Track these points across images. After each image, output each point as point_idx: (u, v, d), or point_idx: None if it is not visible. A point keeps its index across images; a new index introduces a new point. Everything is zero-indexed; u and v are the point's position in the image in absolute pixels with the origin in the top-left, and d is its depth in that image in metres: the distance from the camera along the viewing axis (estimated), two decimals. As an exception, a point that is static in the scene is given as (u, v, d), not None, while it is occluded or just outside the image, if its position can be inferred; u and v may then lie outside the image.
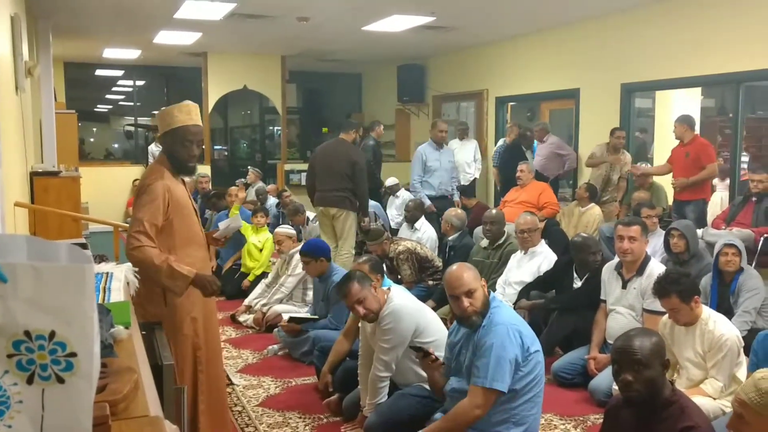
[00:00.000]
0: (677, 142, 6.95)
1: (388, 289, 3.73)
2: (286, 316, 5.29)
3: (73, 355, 0.92)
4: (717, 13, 6.70)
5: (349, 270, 4.09)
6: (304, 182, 12.12)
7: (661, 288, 3.55)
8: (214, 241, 3.38)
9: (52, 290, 0.91)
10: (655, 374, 2.50)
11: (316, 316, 5.10)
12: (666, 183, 7.29)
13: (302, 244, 6.01)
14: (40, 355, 0.92)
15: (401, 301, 3.60)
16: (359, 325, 3.92)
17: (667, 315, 3.66)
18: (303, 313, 5.46)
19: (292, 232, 6.16)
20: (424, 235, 6.79)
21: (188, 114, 3.02)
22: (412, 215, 6.96)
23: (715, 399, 3.41)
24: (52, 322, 0.91)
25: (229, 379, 4.59)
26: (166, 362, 2.00)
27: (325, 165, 6.45)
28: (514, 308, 4.92)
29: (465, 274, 3.00)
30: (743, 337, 3.88)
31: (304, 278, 5.82)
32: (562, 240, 6.04)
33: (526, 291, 5.12)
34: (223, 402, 3.37)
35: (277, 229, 6.20)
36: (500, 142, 9.49)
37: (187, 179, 3.27)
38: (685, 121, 6.78)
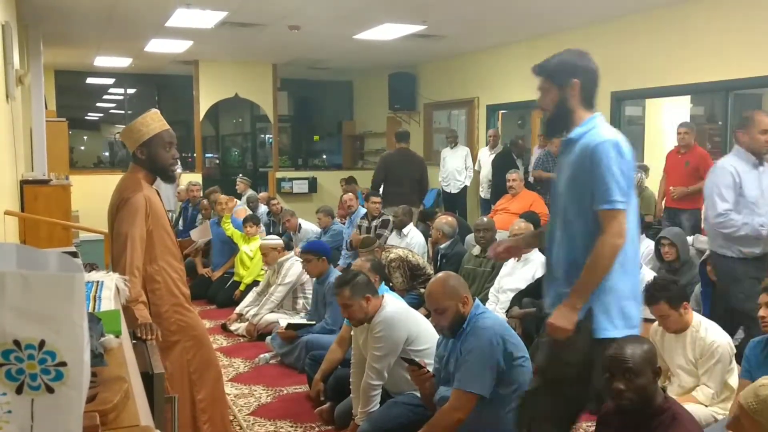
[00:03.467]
0: (667, 149, 6.95)
1: (383, 296, 3.73)
2: (283, 323, 5.27)
3: (63, 364, 0.91)
4: (706, 22, 6.75)
5: (351, 270, 4.16)
6: (295, 190, 12.34)
7: (650, 295, 3.56)
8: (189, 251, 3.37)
9: (42, 299, 0.90)
10: (646, 382, 2.51)
11: (313, 322, 5.09)
12: (656, 190, 7.30)
13: (292, 252, 6.01)
14: (30, 365, 0.91)
15: (394, 308, 3.60)
16: (351, 333, 3.92)
17: (657, 322, 3.67)
18: (296, 319, 5.45)
19: (277, 243, 6.07)
20: (412, 241, 6.78)
21: (160, 121, 3.06)
22: (400, 221, 6.96)
23: (706, 406, 3.42)
24: (41, 332, 0.90)
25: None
26: (157, 371, 1.98)
27: (401, 170, 7.80)
28: (507, 317, 4.92)
29: (435, 291, 3.04)
30: (738, 345, 3.89)
31: (294, 287, 5.80)
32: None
33: (518, 298, 5.08)
34: (224, 407, 3.34)
35: (262, 242, 6.15)
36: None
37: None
38: (693, 127, 6.76)
